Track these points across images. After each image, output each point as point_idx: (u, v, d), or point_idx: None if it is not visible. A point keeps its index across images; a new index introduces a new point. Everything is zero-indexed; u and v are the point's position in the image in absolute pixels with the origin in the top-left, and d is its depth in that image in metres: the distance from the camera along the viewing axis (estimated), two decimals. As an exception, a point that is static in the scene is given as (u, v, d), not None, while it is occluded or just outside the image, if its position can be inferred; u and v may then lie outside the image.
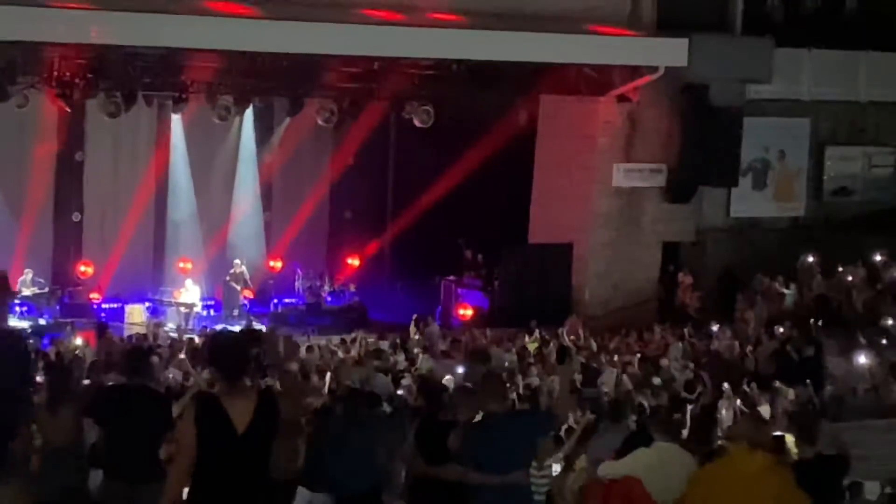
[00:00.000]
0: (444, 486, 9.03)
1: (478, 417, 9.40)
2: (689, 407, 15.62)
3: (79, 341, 21.24)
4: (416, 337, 21.76)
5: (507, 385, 15.77)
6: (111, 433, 9.12)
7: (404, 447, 10.43)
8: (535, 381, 17.27)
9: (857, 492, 11.36)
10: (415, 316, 22.77)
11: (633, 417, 12.64)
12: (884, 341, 20.38)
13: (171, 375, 17.24)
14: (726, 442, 10.55)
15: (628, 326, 23.35)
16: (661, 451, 8.16)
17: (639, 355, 20.01)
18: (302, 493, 9.96)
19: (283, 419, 6.64)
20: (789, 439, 10.73)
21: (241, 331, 17.86)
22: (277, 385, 7.79)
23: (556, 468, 10.90)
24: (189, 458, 6.42)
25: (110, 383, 12.38)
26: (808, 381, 17.41)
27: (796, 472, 8.16)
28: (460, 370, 16.67)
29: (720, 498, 7.10)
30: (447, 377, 16.52)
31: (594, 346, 21.11)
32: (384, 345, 20.58)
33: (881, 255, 24.93)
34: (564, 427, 13.34)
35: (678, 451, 8.27)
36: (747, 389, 16.94)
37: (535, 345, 21.06)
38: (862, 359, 18.68)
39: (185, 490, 6.55)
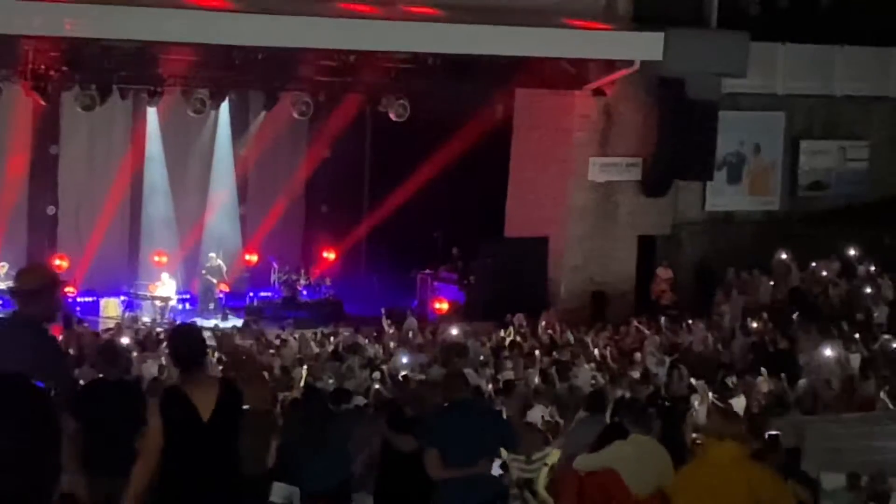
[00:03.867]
0: (413, 477, 9.08)
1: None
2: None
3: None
4: (391, 331, 21.74)
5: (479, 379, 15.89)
6: (89, 428, 9.09)
7: (374, 440, 10.48)
8: (509, 374, 17.29)
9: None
10: (383, 309, 22.63)
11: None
12: (857, 335, 20.45)
13: (144, 369, 17.20)
14: (699, 436, 10.66)
15: (604, 320, 23.42)
16: (637, 444, 8.24)
17: (616, 349, 20.04)
18: (278, 486, 9.98)
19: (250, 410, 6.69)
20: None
21: None
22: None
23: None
24: (156, 450, 6.48)
25: (82, 377, 12.35)
26: (782, 374, 17.46)
27: None
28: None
29: (699, 492, 7.23)
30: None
31: (571, 339, 21.14)
32: (360, 339, 20.56)
33: (854, 249, 25.09)
34: (544, 420, 13.41)
35: (653, 443, 8.37)
36: (723, 383, 17.00)
37: (511, 337, 21.09)
38: (828, 351, 18.72)
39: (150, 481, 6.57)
